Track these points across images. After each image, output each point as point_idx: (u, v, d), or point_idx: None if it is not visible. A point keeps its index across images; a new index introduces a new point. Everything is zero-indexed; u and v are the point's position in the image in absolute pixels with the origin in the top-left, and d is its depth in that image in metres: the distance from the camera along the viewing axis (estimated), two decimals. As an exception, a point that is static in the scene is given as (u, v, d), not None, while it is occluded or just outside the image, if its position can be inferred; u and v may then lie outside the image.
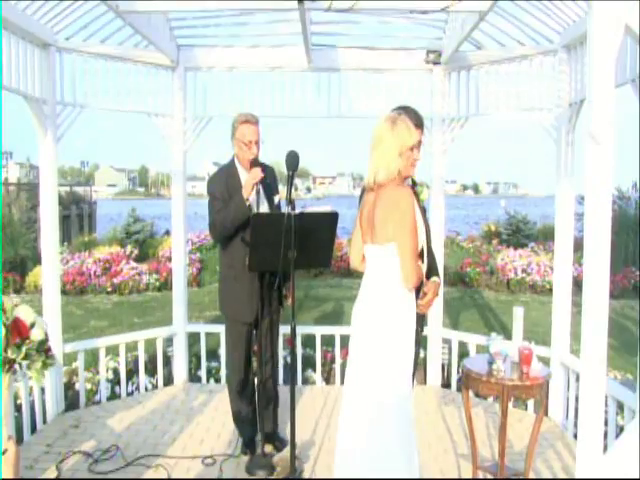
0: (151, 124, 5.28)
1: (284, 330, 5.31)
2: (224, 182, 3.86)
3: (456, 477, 3.73)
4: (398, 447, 2.63)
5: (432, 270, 3.14)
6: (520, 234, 14.07)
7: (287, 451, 3.57)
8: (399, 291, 2.70)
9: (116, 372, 5.21)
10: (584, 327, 2.34)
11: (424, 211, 3.25)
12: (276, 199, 3.95)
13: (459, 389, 4.91)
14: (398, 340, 2.68)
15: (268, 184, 3.88)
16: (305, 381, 5.50)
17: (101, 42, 4.87)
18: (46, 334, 2.48)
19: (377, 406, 2.65)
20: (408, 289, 2.69)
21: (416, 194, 3.22)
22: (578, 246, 3.54)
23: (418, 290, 2.96)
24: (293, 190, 3.26)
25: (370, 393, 2.68)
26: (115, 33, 4.82)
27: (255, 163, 3.77)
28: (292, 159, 3.28)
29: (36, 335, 2.42)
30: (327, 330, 5.66)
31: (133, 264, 11.26)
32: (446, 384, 5.39)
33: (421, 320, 3.19)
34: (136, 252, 12.53)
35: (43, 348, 2.45)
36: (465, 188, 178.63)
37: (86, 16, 4.49)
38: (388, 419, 2.64)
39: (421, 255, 2.94)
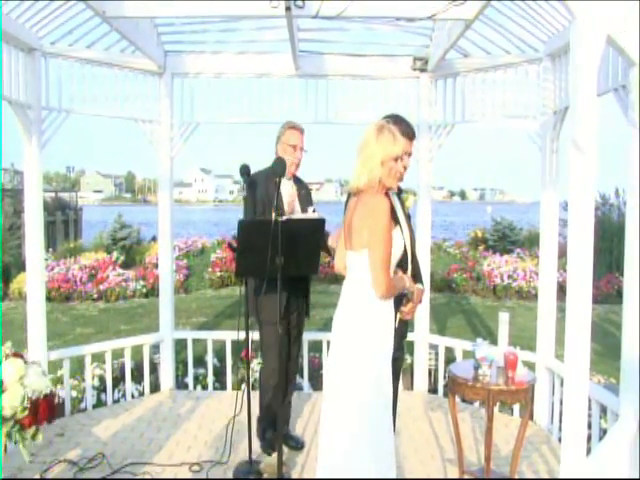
0: (138, 130, 5.28)
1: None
2: (264, 184, 3.86)
3: (443, 482, 3.74)
4: (370, 453, 2.63)
5: (416, 277, 3.16)
6: (506, 240, 14.17)
7: (274, 458, 3.56)
8: (375, 298, 2.68)
9: (102, 379, 5.17)
10: (568, 332, 2.37)
11: (409, 217, 3.27)
12: (310, 210, 3.99)
13: (446, 394, 4.93)
14: (373, 348, 2.68)
15: (303, 196, 4.01)
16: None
17: (87, 47, 4.86)
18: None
19: (351, 412, 2.65)
20: (378, 298, 2.67)
21: (401, 201, 3.25)
22: (563, 252, 3.58)
23: (401, 297, 2.98)
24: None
25: (344, 401, 2.67)
26: (101, 38, 4.82)
27: (295, 180, 3.93)
28: (279, 165, 3.30)
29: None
30: (314, 336, 5.66)
31: (119, 270, 11.20)
32: (433, 389, 5.42)
33: (404, 326, 3.20)
34: (122, 258, 12.45)
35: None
36: (452, 194, 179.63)
37: (72, 21, 4.48)
38: (362, 424, 2.64)
39: (404, 262, 2.97)
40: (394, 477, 2.72)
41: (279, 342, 3.65)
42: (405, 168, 3.00)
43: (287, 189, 3.98)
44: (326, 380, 2.82)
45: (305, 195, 4.12)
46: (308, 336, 5.58)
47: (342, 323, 2.77)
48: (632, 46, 2.74)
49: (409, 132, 3.24)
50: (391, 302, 2.75)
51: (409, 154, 3.21)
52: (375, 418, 2.66)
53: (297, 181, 4.10)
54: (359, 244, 2.68)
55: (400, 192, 3.20)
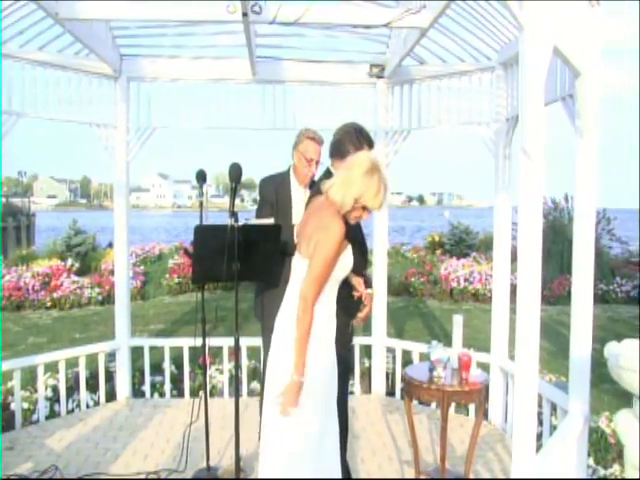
0: (93, 134, 5.19)
1: (228, 343, 5.32)
2: (274, 189, 3.77)
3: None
4: (310, 458, 2.61)
5: (366, 282, 3.17)
6: (463, 244, 14.44)
7: (232, 463, 3.54)
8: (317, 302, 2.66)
9: (55, 390, 5.02)
10: (518, 333, 2.44)
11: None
12: None
13: (403, 397, 4.99)
14: (312, 350, 2.62)
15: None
16: (251, 393, 5.47)
17: (39, 49, 4.75)
18: None
19: (289, 418, 2.58)
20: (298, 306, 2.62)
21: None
22: (516, 255, 3.67)
23: (357, 303, 3.00)
24: (239, 201, 3.27)
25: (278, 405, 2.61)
26: (54, 40, 4.71)
27: (311, 185, 3.73)
28: (235, 171, 3.29)
29: None
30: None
31: (74, 278, 10.92)
32: (390, 392, 5.48)
33: (350, 329, 3.19)
34: (77, 265, 12.16)
35: None
36: (410, 199, 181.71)
37: (23, 21, 4.37)
38: (301, 428, 2.59)
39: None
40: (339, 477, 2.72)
41: None
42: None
43: (299, 197, 3.79)
44: (266, 385, 2.77)
45: None
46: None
47: (280, 329, 2.75)
48: (577, 57, 2.85)
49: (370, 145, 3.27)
50: (331, 306, 2.74)
51: None
52: (317, 419, 2.63)
53: (313, 188, 3.77)
54: (306, 251, 2.68)
55: None
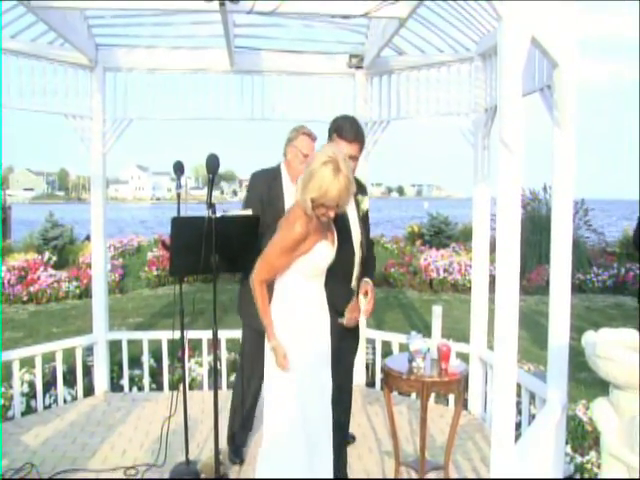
0: (69, 125, 5.09)
1: (207, 335, 5.27)
2: (266, 184, 3.77)
3: (379, 476, 3.79)
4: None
5: (368, 272, 3.36)
6: (442, 235, 14.49)
7: (211, 457, 3.52)
8: (302, 296, 2.78)
9: (32, 385, 4.94)
10: (497, 323, 2.45)
11: (366, 217, 3.38)
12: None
13: (383, 388, 5.00)
14: (296, 343, 2.76)
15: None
16: (230, 386, 5.42)
17: (12, 37, 4.64)
18: None
19: (283, 401, 2.75)
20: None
21: (357, 202, 3.28)
22: (495, 246, 3.68)
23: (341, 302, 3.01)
24: (219, 193, 3.23)
25: (276, 394, 2.77)
26: (27, 29, 4.60)
27: None
28: (212, 162, 3.24)
29: None
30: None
31: (51, 271, 10.76)
32: (371, 383, 5.49)
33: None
34: (55, 259, 11.98)
35: None
36: (390, 190, 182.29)
37: (-6, 9, 4.27)
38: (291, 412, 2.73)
39: (348, 265, 3.15)
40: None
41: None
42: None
43: (291, 192, 3.64)
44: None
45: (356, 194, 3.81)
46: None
47: (275, 313, 2.82)
48: (555, 47, 2.85)
49: (357, 137, 3.26)
50: (315, 297, 2.79)
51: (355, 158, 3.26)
52: (307, 407, 2.71)
53: None
54: None
55: (355, 194, 3.20)
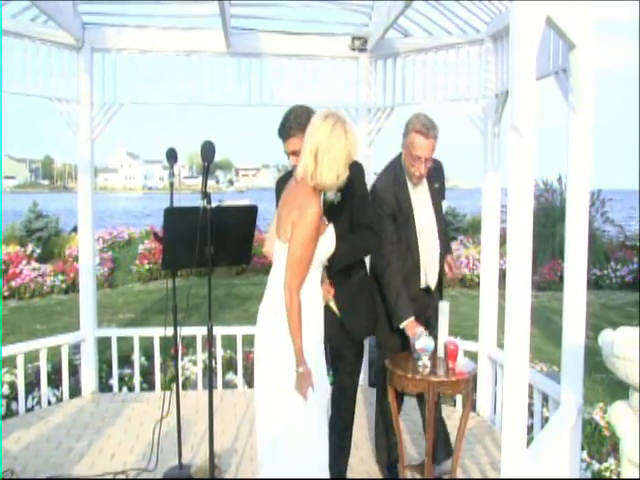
0: (55, 109, 5.07)
1: (202, 332, 5.27)
2: (393, 193, 3.53)
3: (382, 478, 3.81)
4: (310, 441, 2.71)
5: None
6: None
7: (206, 461, 3.54)
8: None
9: (13, 386, 4.93)
10: (508, 320, 2.44)
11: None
12: (444, 205, 3.69)
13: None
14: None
15: (435, 188, 3.65)
16: (226, 385, 5.47)
17: (-9, 15, 4.62)
18: None
19: (282, 405, 2.68)
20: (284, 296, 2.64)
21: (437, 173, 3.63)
22: (505, 239, 3.67)
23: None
24: (214, 183, 3.23)
25: (275, 394, 2.70)
26: (6, 3, 4.56)
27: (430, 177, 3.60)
28: (207, 150, 3.23)
29: None
30: (249, 330, 5.61)
31: (35, 265, 10.77)
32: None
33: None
34: (39, 251, 11.99)
35: None
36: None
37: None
38: (292, 415, 2.68)
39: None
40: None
41: None
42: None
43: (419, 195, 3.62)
44: (255, 373, 2.86)
45: (438, 187, 3.69)
46: (242, 330, 5.55)
47: (265, 317, 2.80)
48: (571, 28, 2.83)
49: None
50: (314, 292, 2.77)
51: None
52: (307, 406, 2.70)
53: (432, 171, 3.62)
54: (284, 235, 2.69)
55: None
